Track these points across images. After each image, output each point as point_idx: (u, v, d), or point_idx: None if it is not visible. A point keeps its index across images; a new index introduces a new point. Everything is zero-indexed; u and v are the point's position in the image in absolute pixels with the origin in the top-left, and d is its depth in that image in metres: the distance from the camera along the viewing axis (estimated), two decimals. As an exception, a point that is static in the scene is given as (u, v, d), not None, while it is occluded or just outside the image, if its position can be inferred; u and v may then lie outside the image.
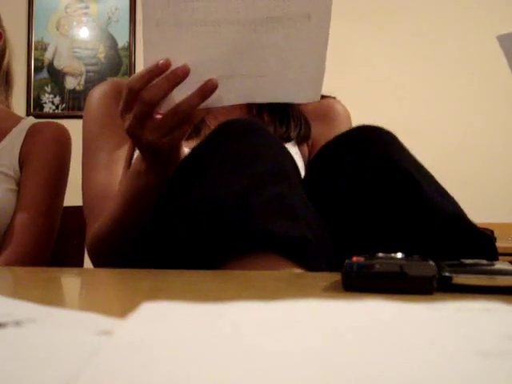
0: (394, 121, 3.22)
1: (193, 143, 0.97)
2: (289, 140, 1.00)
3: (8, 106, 1.31)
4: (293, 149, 1.00)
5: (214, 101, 0.70)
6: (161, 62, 0.68)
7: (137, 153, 0.86)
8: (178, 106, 0.70)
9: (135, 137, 0.73)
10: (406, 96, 3.23)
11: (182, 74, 0.68)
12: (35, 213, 1.13)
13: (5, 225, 1.13)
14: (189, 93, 0.69)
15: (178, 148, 0.75)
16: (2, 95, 1.29)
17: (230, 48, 0.69)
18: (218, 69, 0.69)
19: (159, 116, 0.71)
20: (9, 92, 1.31)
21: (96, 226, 0.91)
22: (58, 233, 1.18)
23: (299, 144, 1.01)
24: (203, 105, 0.70)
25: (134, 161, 0.83)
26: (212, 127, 0.99)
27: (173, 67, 0.68)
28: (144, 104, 0.70)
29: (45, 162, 1.17)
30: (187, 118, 0.71)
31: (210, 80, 0.68)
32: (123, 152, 0.97)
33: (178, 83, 0.69)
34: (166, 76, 0.69)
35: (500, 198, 3.18)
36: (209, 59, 0.69)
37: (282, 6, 0.67)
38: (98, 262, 0.92)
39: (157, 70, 0.69)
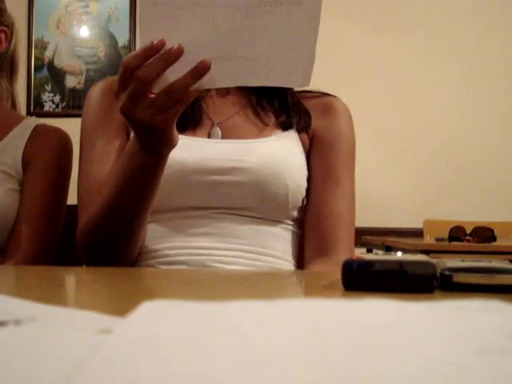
0: (394, 119, 3.22)
1: (190, 131, 0.98)
2: (290, 127, 1.00)
3: (12, 93, 1.30)
4: (294, 136, 1.01)
5: (206, 82, 0.71)
6: (156, 41, 0.70)
7: None
8: (171, 85, 0.71)
9: (128, 115, 0.75)
10: (405, 94, 3.23)
11: (175, 54, 0.70)
12: (40, 220, 1.14)
13: (8, 224, 1.13)
14: (182, 73, 0.70)
15: (171, 129, 0.77)
16: (6, 82, 1.28)
17: (223, 31, 0.71)
18: (211, 51, 0.71)
19: (153, 95, 0.72)
20: (14, 77, 1.31)
21: (86, 215, 0.91)
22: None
23: (299, 132, 1.02)
24: (196, 85, 0.72)
25: (128, 143, 0.83)
26: (213, 120, 1.00)
27: (167, 47, 0.70)
28: (138, 82, 0.71)
29: (49, 167, 1.17)
30: (180, 97, 0.72)
31: (203, 61, 0.70)
32: (116, 146, 0.98)
33: (171, 62, 0.70)
34: (161, 55, 0.70)
35: (500, 197, 3.18)
36: (203, 41, 0.71)
37: None
38: (89, 256, 0.92)
39: (151, 50, 0.70)
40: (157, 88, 0.72)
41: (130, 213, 0.85)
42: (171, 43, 0.70)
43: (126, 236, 0.88)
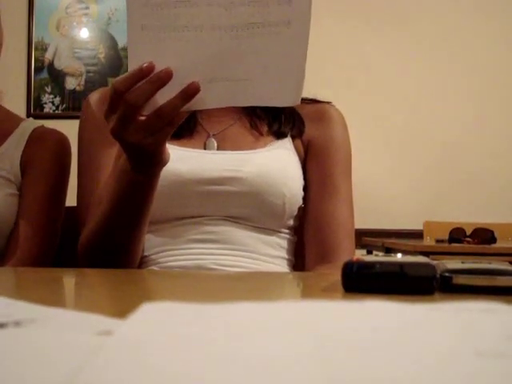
0: (395, 121, 3.23)
1: (185, 143, 0.98)
2: (283, 136, 1.00)
3: None
4: (288, 145, 1.01)
5: (196, 104, 0.71)
6: (145, 65, 0.70)
7: None
8: (161, 108, 0.71)
9: (119, 138, 0.75)
10: (406, 97, 3.23)
11: (164, 77, 0.70)
12: (39, 222, 1.14)
13: (7, 229, 1.13)
14: (172, 95, 0.70)
15: (162, 150, 0.77)
16: None
17: (212, 52, 0.71)
18: (200, 72, 0.71)
19: (143, 118, 0.72)
20: None
21: (86, 230, 0.92)
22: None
23: (293, 139, 1.02)
24: (186, 107, 0.72)
25: (120, 160, 0.83)
26: (209, 132, 1.00)
27: (157, 70, 0.70)
28: (128, 106, 0.71)
29: (48, 170, 1.17)
30: (170, 120, 0.72)
31: (192, 83, 0.70)
32: (114, 157, 0.98)
33: (161, 86, 0.70)
34: (150, 79, 0.70)
35: (500, 198, 3.18)
36: (192, 63, 0.71)
37: (262, 12, 0.69)
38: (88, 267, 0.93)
39: (141, 73, 0.70)
40: (146, 111, 0.72)
41: (126, 228, 0.86)
42: (160, 66, 0.70)
43: (124, 250, 0.88)
